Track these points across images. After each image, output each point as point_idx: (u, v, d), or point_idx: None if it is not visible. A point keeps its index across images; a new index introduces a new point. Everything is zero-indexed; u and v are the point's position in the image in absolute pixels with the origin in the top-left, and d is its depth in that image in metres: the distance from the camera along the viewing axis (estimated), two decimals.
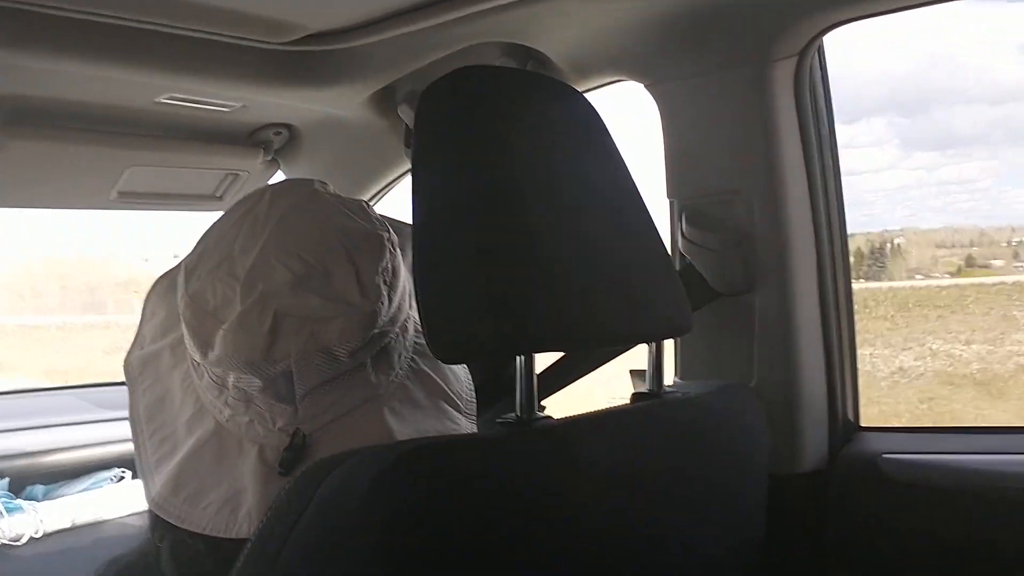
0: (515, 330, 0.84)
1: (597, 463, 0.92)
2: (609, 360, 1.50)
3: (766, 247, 1.42)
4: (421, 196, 0.86)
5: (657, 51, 1.43)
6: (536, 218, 0.87)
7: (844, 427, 1.50)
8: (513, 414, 0.90)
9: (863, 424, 1.53)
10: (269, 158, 1.96)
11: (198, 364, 0.94)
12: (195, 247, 0.97)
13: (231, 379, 0.91)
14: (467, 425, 1.07)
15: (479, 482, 0.80)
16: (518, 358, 0.88)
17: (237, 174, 1.98)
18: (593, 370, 1.52)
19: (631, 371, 1.62)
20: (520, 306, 0.84)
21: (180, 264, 0.98)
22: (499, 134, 0.89)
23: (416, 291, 0.89)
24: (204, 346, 0.92)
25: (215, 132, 1.86)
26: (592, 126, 1.01)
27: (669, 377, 1.57)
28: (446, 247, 0.84)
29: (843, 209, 1.49)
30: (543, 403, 1.58)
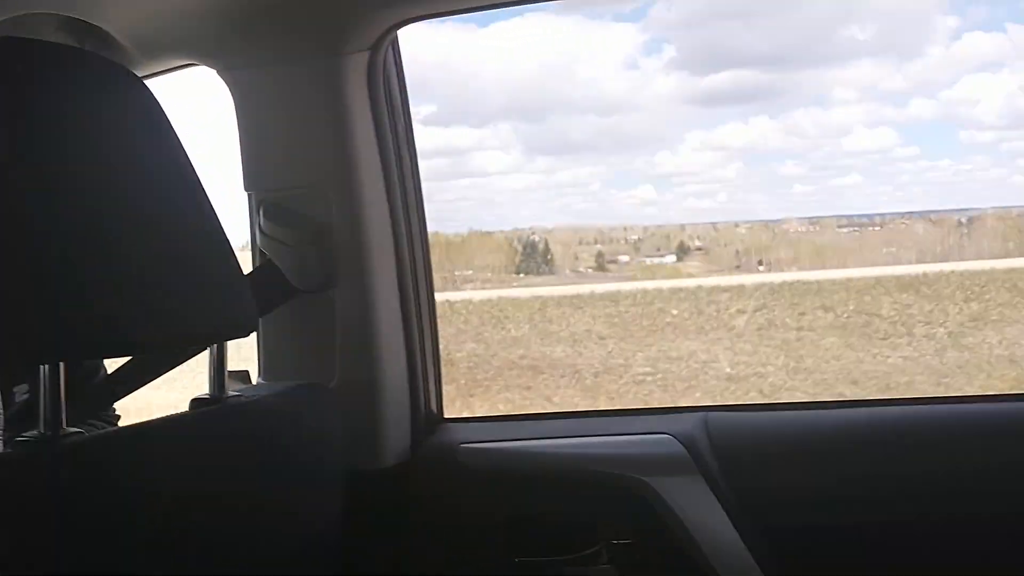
0: (29, 338, 0.75)
1: (135, 479, 0.85)
2: (185, 359, 1.40)
3: (344, 243, 1.40)
4: None
5: (227, 36, 1.37)
6: (54, 214, 0.78)
7: (428, 420, 1.52)
8: (36, 431, 0.80)
9: (448, 416, 1.57)
10: None
11: None
12: None
13: None
14: None
15: None
16: (42, 369, 0.78)
17: None
18: (169, 369, 1.41)
19: (228, 372, 1.54)
20: (33, 312, 0.75)
21: None
22: (21, 114, 0.79)
23: None
24: None
25: None
26: (147, 114, 0.93)
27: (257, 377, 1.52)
28: None
29: (422, 206, 1.51)
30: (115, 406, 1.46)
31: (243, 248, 1.42)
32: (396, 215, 1.46)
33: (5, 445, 1.13)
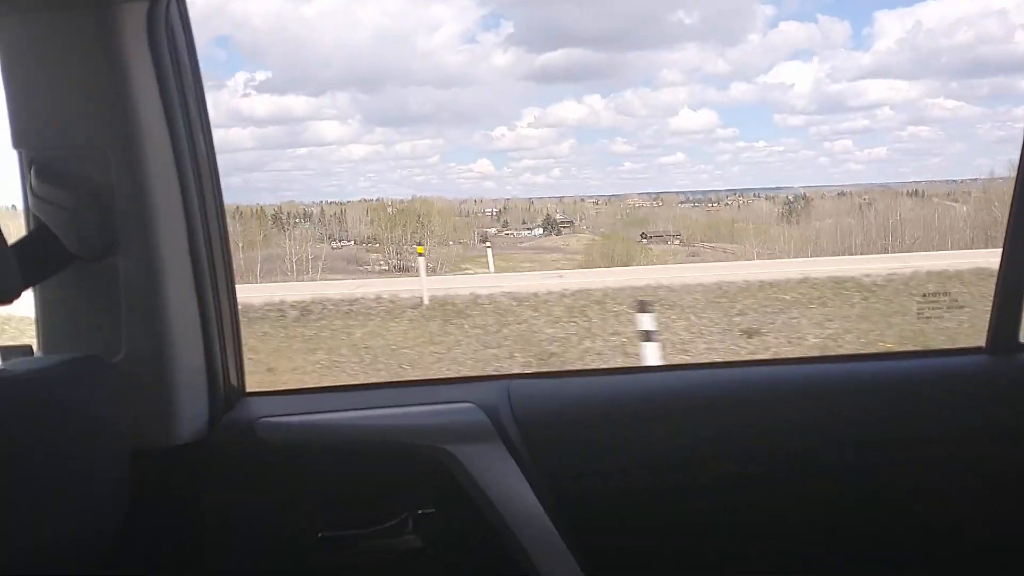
0: None
1: None
2: None
3: (127, 207, 1.31)
4: None
5: None
6: None
7: (227, 395, 1.45)
8: None
9: (249, 390, 1.51)
10: None
11: None
12: None
13: None
14: None
15: None
16: None
17: None
18: None
19: (7, 347, 1.42)
20: None
21: None
22: None
23: None
24: None
25: None
26: None
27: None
28: None
29: (215, 166, 1.43)
30: None
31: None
32: (185, 178, 1.37)
33: None
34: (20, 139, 1.31)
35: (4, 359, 1.35)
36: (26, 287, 1.21)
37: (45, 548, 1.01)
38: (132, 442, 1.24)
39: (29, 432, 0.99)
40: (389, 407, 1.41)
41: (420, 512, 1.36)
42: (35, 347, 1.41)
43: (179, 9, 1.34)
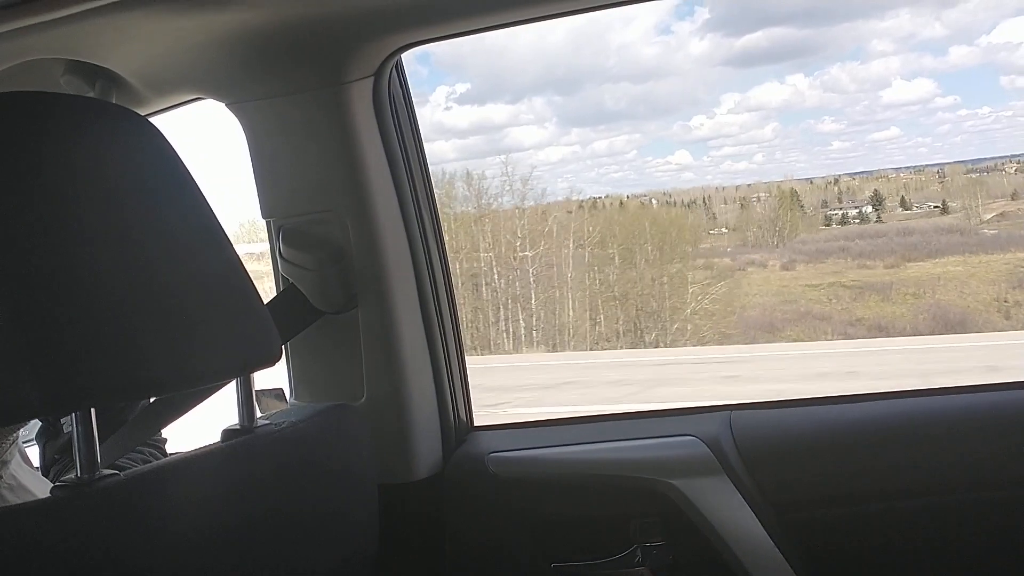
0: (60, 386, 0.77)
1: (169, 519, 0.87)
2: (210, 395, 1.44)
3: (363, 263, 1.42)
4: None
5: (234, 72, 1.39)
6: (78, 259, 0.80)
7: (457, 431, 1.55)
8: (73, 475, 0.83)
9: (477, 424, 1.60)
10: None
11: None
12: None
13: None
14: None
15: (27, 554, 0.73)
16: (73, 415, 0.81)
17: None
18: (194, 407, 1.44)
19: (263, 391, 1.57)
20: (63, 359, 0.77)
21: None
22: (31, 170, 0.81)
23: None
24: None
25: None
26: (159, 157, 0.95)
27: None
28: None
29: (438, 220, 1.53)
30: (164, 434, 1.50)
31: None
32: (412, 232, 1.48)
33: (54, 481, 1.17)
34: (269, 210, 1.45)
35: (258, 401, 1.49)
36: (283, 343, 1.34)
37: None
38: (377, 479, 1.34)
39: (294, 480, 1.08)
40: (612, 441, 1.46)
41: (648, 544, 1.40)
42: (286, 390, 1.56)
43: (399, 79, 1.44)
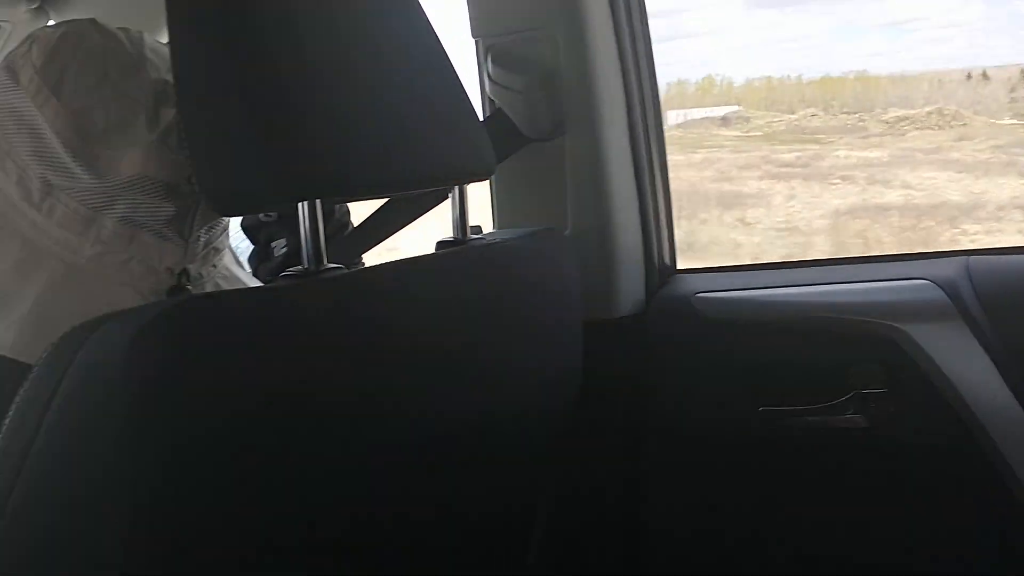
0: (292, 176, 0.77)
1: (390, 311, 0.88)
2: (424, 210, 1.43)
3: (573, 88, 1.36)
4: (180, 28, 0.77)
5: None
6: (314, 55, 0.80)
7: (660, 271, 1.49)
8: (301, 267, 0.84)
9: (680, 267, 1.53)
10: (35, 6, 1.76)
11: (44, 196, 0.85)
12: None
13: (120, 209, 0.84)
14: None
15: (252, 334, 0.73)
16: (300, 206, 0.81)
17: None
18: (410, 221, 1.45)
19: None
20: (297, 150, 0.77)
21: None
22: None
23: (184, 136, 0.82)
24: (92, 169, 0.83)
25: None
26: None
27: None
28: (212, 86, 0.76)
29: (651, 50, 1.45)
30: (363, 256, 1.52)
31: None
32: (625, 58, 1.40)
33: None
34: (478, 27, 1.41)
35: None
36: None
37: (513, 405, 1.07)
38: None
39: (507, 292, 1.06)
40: (832, 283, 1.36)
41: (867, 391, 1.31)
42: (484, 230, 1.54)
43: None
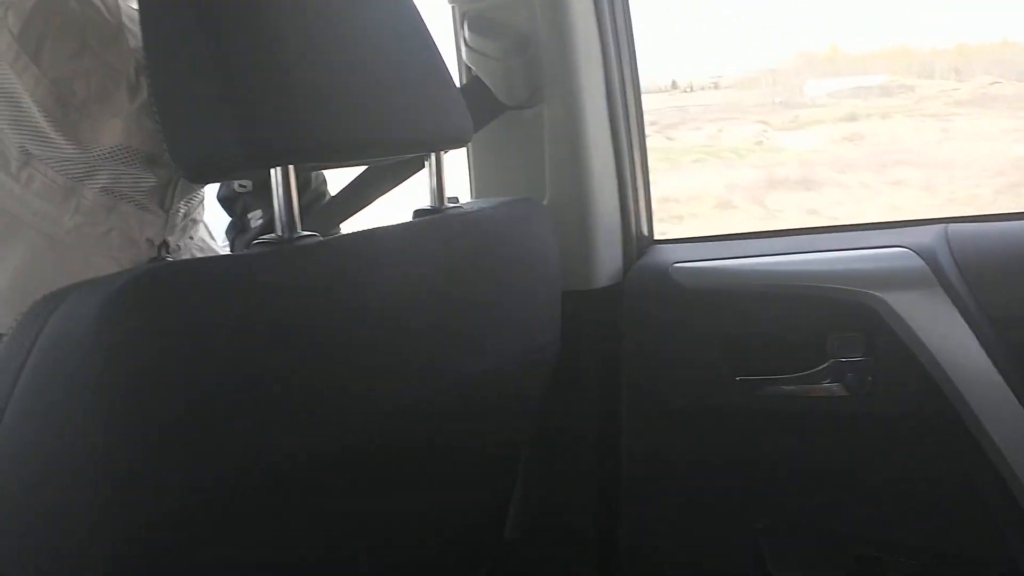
0: (264, 142, 0.76)
1: (365, 279, 0.86)
2: (400, 180, 1.41)
3: (551, 54, 1.35)
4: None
5: None
6: (285, 20, 0.78)
7: (638, 241, 1.48)
8: (274, 234, 0.82)
9: (657, 238, 1.52)
10: None
11: (23, 166, 0.83)
12: None
13: (102, 180, 0.83)
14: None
15: (222, 300, 0.72)
16: (273, 172, 0.79)
17: None
18: (387, 191, 1.42)
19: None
20: (268, 116, 0.76)
21: None
22: None
23: (154, 104, 0.80)
24: (73, 139, 0.81)
25: None
26: None
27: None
28: (180, 52, 0.75)
29: (629, 16, 1.43)
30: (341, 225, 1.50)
31: None
32: (603, 24, 1.38)
33: None
34: None
35: None
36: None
37: (491, 372, 1.06)
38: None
39: (484, 261, 1.05)
40: (810, 252, 1.36)
41: (845, 360, 1.31)
42: (461, 199, 1.52)
43: None
